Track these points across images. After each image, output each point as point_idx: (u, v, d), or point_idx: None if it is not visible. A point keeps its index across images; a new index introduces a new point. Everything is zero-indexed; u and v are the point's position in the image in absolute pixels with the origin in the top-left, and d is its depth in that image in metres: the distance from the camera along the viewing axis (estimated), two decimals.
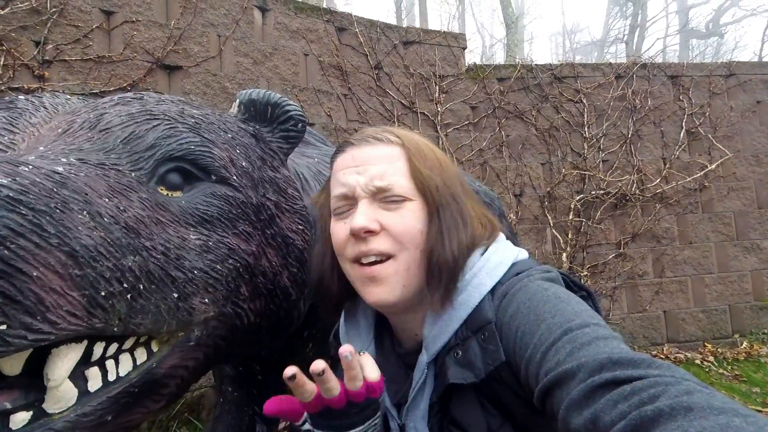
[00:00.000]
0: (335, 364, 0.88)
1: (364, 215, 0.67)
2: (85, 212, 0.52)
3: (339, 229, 0.71)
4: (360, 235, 0.67)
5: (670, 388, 0.43)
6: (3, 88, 2.31)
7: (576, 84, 3.87)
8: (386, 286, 0.68)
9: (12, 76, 2.32)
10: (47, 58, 2.42)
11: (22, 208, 0.46)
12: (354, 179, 0.69)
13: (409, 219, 0.68)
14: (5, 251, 0.44)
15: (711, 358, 3.55)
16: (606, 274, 3.73)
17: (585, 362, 0.50)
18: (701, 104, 3.98)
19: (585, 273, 3.67)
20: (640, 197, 3.82)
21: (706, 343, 3.75)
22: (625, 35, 13.76)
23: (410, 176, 0.69)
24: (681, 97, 3.99)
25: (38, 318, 0.46)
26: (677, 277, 3.83)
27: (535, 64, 3.89)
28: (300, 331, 1.18)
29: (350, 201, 0.70)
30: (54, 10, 2.42)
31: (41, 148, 0.58)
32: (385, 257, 0.68)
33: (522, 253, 0.78)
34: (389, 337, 0.82)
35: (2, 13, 2.30)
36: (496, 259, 0.72)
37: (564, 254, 3.66)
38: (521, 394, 0.62)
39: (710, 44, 16.74)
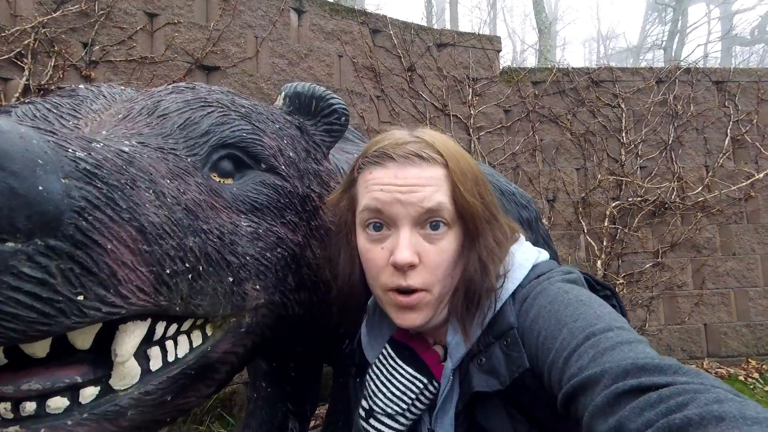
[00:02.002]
0: (359, 370, 0.88)
1: (409, 249, 0.66)
2: (150, 191, 0.53)
3: (376, 255, 0.69)
4: (404, 269, 0.66)
5: (699, 396, 0.41)
6: (53, 87, 2.42)
7: (614, 88, 3.76)
8: (419, 313, 0.68)
9: (62, 76, 2.43)
10: (94, 58, 2.52)
11: (97, 181, 0.46)
12: (395, 198, 0.67)
13: (446, 254, 0.68)
14: (83, 222, 0.44)
15: (756, 375, 3.36)
16: (642, 283, 3.58)
17: (609, 368, 0.48)
18: (748, 111, 3.79)
19: (620, 281, 3.54)
20: (680, 205, 3.66)
21: (750, 359, 3.55)
22: (664, 41, 13.32)
23: (452, 201, 0.68)
24: (726, 104, 3.81)
25: (111, 291, 0.47)
26: (719, 290, 3.65)
27: (572, 68, 3.79)
28: (336, 327, 1.18)
29: (383, 217, 0.68)
30: (101, 12, 2.52)
31: (104, 132, 0.60)
32: (420, 289, 0.68)
33: (543, 254, 0.76)
34: None
35: (54, 15, 2.42)
36: (516, 262, 0.71)
37: (599, 261, 3.55)
38: (545, 398, 0.60)
39: (755, 51, 16.03)
